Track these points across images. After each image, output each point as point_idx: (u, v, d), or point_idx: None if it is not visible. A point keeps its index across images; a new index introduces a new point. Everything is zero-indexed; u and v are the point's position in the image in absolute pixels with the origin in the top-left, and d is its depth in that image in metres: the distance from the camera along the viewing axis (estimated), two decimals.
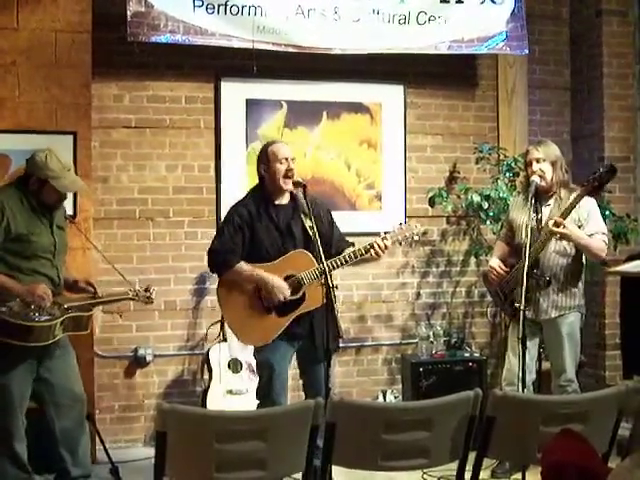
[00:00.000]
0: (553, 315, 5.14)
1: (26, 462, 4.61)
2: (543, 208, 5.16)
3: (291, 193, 4.90)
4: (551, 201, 5.16)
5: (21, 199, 4.53)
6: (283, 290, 4.71)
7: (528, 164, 5.19)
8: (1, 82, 5.51)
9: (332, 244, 4.93)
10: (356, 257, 4.78)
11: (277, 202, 4.88)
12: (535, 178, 5.06)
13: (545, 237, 4.96)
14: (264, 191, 4.91)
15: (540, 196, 5.15)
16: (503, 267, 5.23)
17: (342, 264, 4.77)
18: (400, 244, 5.05)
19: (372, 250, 4.77)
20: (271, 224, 4.82)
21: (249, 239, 4.80)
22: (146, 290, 4.95)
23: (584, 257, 5.20)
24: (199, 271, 6.23)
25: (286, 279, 4.74)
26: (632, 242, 6.31)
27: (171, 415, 3.07)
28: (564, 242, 5.06)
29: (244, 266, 4.75)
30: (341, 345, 5.12)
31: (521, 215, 5.19)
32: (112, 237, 6.09)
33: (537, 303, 5.13)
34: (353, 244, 4.96)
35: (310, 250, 4.74)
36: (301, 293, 4.75)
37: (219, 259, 4.82)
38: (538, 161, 5.12)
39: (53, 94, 5.58)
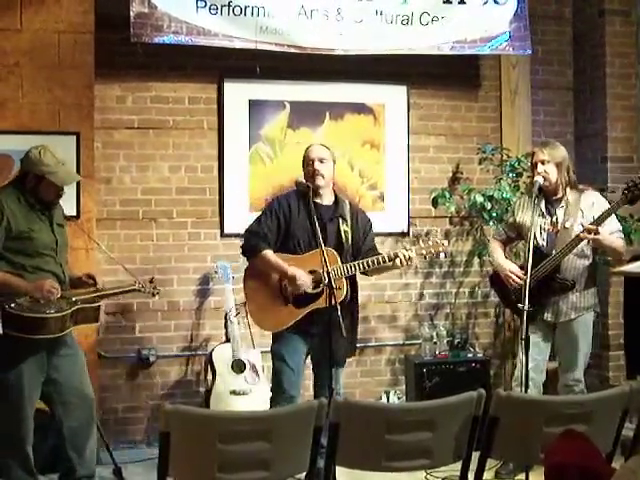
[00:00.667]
0: (572, 316, 5.19)
1: (33, 466, 4.63)
2: (557, 210, 5.19)
3: (336, 196, 5.07)
4: (563, 203, 5.19)
5: (19, 197, 4.54)
6: (305, 281, 4.85)
7: (534, 165, 5.21)
8: (4, 83, 5.51)
9: (361, 252, 5.05)
10: (379, 263, 4.90)
11: (319, 201, 5.00)
12: (538, 179, 5.09)
13: (573, 243, 5.00)
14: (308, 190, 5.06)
15: (550, 198, 5.20)
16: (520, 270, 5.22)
17: (364, 268, 4.90)
18: (425, 258, 5.10)
19: (397, 259, 4.87)
20: (308, 220, 4.91)
21: (284, 229, 4.97)
22: (151, 281, 5.00)
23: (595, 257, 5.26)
24: (202, 272, 6.24)
25: (309, 273, 4.89)
26: (635, 242, 6.29)
27: (174, 416, 3.07)
28: (583, 244, 5.09)
29: (271, 255, 4.91)
30: (356, 347, 5.26)
31: (531, 217, 5.19)
32: (115, 238, 6.09)
33: (556, 305, 5.18)
34: (381, 254, 5.02)
35: (340, 253, 4.91)
36: (320, 289, 4.85)
37: (252, 241, 4.97)
38: (543, 163, 5.15)
39: (56, 95, 5.59)
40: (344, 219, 5.00)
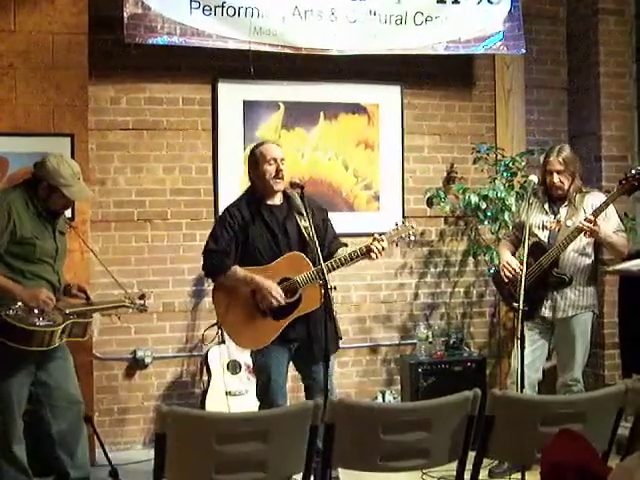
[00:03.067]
0: (570, 314, 5.23)
1: (26, 465, 4.60)
2: (560, 209, 5.28)
3: (284, 193, 4.85)
4: (567, 202, 5.28)
5: (27, 202, 4.50)
6: (276, 294, 4.65)
7: (548, 173, 5.27)
8: None
9: (325, 244, 4.87)
10: (352, 259, 4.75)
11: (270, 203, 4.83)
12: (533, 178, 5.12)
13: (571, 235, 5.05)
14: (255, 193, 4.86)
15: (554, 197, 5.30)
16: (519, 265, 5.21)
17: (339, 266, 4.74)
18: (397, 244, 5.04)
19: (371, 252, 4.71)
20: (264, 226, 4.77)
21: (242, 242, 4.76)
22: (141, 297, 4.90)
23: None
24: (197, 273, 6.21)
25: (281, 282, 4.70)
26: (630, 241, 6.30)
27: (170, 417, 3.07)
28: (584, 241, 5.15)
29: (238, 270, 4.71)
30: (340, 346, 5.09)
31: (537, 216, 5.28)
32: (110, 239, 6.08)
33: (554, 301, 5.22)
34: (346, 245, 4.94)
35: (306, 251, 4.72)
36: (297, 295, 4.70)
37: (215, 260, 4.77)
38: (559, 172, 5.23)
39: (50, 96, 5.58)
40: (300, 214, 4.75)
